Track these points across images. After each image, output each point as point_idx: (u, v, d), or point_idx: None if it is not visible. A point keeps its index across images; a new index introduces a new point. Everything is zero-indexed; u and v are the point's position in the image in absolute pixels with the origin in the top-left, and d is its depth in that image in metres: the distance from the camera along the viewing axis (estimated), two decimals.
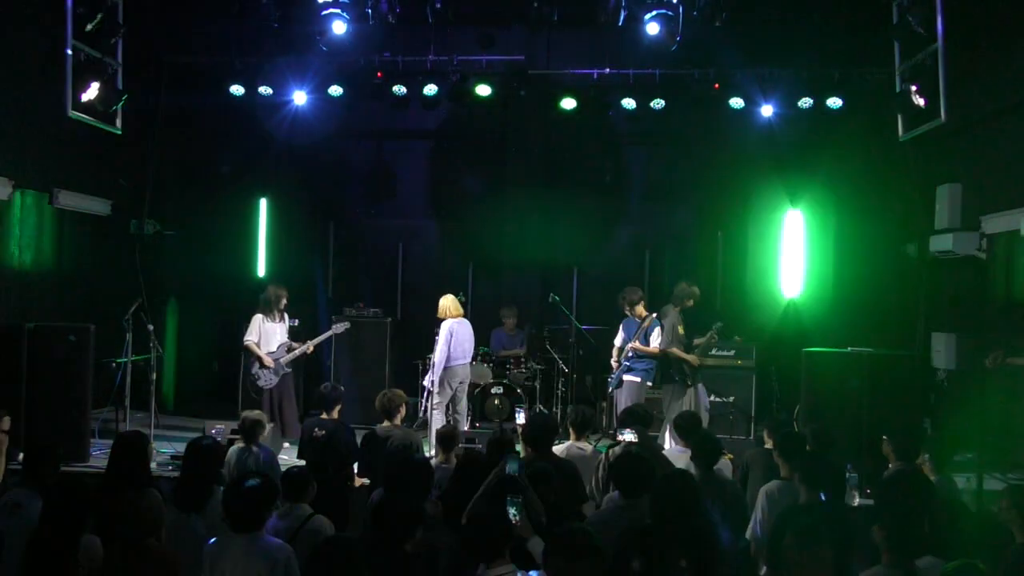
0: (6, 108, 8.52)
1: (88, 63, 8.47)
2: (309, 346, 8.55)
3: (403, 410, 6.36)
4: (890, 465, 5.56)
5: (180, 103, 10.04)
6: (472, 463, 5.18)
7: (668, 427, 7.77)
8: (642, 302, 8.42)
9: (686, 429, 5.88)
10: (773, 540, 4.39)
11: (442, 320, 8.48)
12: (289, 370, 8.45)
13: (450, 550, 4.17)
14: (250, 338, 8.33)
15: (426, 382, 8.55)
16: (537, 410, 9.61)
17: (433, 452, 6.32)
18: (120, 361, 8.44)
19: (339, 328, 8.84)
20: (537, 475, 4.65)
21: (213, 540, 4.00)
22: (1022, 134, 8.08)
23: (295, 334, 8.83)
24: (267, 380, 8.30)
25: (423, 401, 8.55)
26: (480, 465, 5.04)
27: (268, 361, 8.28)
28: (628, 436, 5.40)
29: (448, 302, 8.54)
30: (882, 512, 3.92)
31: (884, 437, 5.78)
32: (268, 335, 8.39)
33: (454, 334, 8.42)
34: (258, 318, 8.38)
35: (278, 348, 8.40)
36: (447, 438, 5.87)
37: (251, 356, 8.36)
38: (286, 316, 8.59)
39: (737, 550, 4.77)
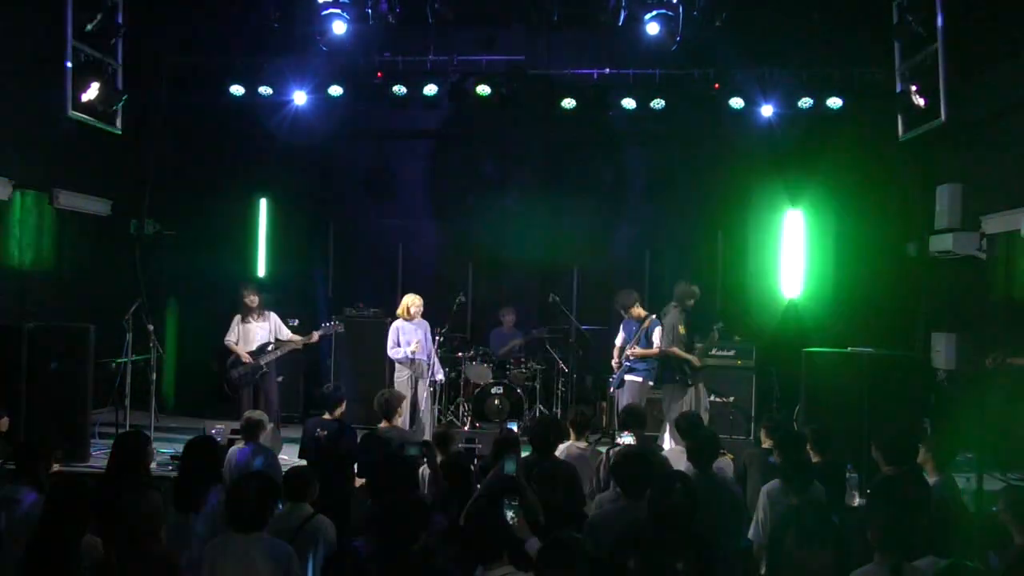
0: (6, 108, 8.51)
1: (88, 63, 8.48)
2: (289, 346, 8.55)
3: (402, 410, 6.35)
4: (882, 470, 5.50)
5: (180, 103, 10.02)
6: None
7: (668, 427, 7.77)
8: (637, 303, 8.40)
9: (687, 430, 5.87)
10: (774, 540, 4.40)
11: (417, 318, 8.54)
12: (270, 370, 8.46)
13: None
14: (229, 338, 8.43)
15: (438, 378, 8.55)
16: (538, 410, 9.60)
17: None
18: (120, 361, 8.45)
19: (329, 328, 8.81)
20: (543, 477, 4.63)
21: (214, 540, 3.99)
22: (1022, 134, 8.09)
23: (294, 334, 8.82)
24: (243, 379, 8.33)
25: (427, 399, 8.53)
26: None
27: (246, 358, 8.33)
28: (626, 439, 5.39)
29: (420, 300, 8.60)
30: (872, 514, 3.91)
31: (872, 444, 5.68)
32: (247, 335, 8.44)
33: None
34: (236, 319, 8.48)
35: (258, 348, 8.42)
36: (445, 439, 5.85)
37: (231, 355, 8.41)
38: (268, 315, 8.57)
39: (737, 550, 4.76)
